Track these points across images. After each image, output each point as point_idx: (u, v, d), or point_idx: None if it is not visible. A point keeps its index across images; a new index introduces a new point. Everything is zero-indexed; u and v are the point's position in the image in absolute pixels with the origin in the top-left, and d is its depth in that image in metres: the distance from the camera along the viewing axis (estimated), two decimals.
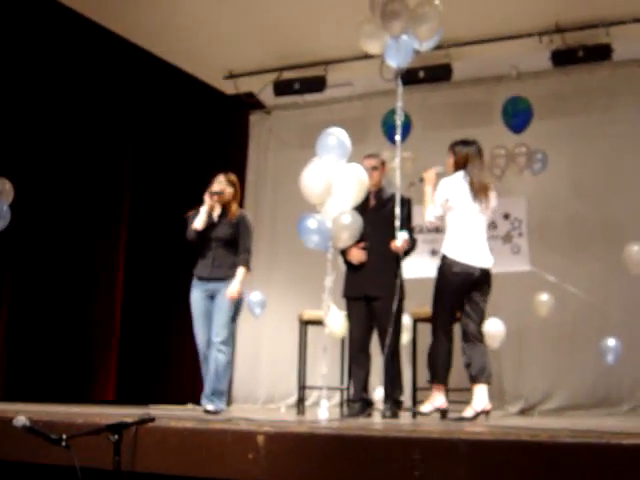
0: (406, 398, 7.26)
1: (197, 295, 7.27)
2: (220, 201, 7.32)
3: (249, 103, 11.66)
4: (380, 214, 6.90)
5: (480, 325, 6.66)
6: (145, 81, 11.25)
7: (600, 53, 9.41)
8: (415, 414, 6.86)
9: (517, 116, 10.11)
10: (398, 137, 6.65)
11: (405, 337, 7.66)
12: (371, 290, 6.83)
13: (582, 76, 10.34)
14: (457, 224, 6.56)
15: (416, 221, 7.51)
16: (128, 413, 4.74)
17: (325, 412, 6.12)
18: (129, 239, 11.35)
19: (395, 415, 6.77)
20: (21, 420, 3.72)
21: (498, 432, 3.45)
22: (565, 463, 3.11)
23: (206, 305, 7.21)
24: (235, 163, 12.22)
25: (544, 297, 9.61)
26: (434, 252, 9.93)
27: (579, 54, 9.41)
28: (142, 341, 11.28)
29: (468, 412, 6.50)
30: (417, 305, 7.88)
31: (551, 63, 9.65)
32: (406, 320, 7.40)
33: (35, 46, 9.61)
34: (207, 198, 7.24)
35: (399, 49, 6.55)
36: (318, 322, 7.45)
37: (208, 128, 12.15)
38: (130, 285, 11.23)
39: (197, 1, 9.24)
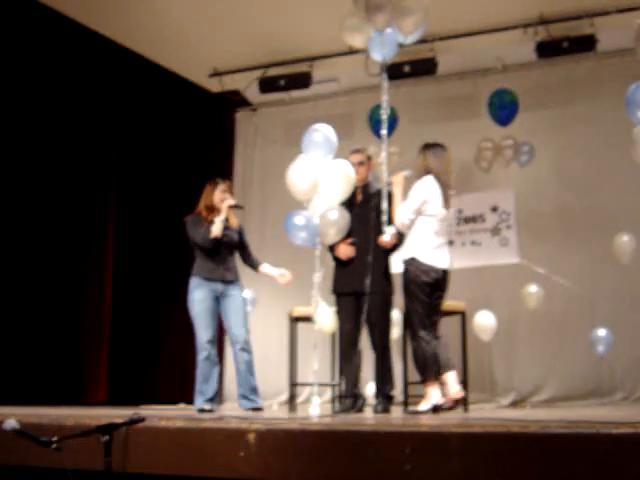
0: (397, 393, 7.25)
1: (203, 295, 7.31)
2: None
3: (235, 101, 11.66)
4: (367, 209, 6.89)
5: (438, 320, 6.69)
6: (129, 80, 11.21)
7: (585, 44, 9.42)
8: (412, 414, 6.80)
9: (503, 108, 10.12)
10: (384, 131, 6.65)
11: (395, 332, 7.66)
12: (360, 285, 6.81)
13: (567, 67, 10.35)
14: (427, 227, 6.58)
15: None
16: (118, 414, 4.73)
17: (317, 408, 6.12)
18: (117, 239, 11.30)
19: (387, 410, 6.78)
20: (11, 423, 3.71)
21: (489, 425, 3.45)
22: (556, 454, 3.12)
23: (213, 305, 7.30)
24: (222, 161, 12.24)
25: (533, 289, 9.63)
26: None
27: (564, 45, 9.41)
28: (133, 342, 11.25)
29: (425, 405, 6.45)
30: None
31: (536, 55, 9.64)
32: (396, 315, 7.39)
33: (19, 47, 9.57)
34: (225, 208, 7.35)
35: (383, 42, 6.54)
36: (308, 319, 7.46)
37: (194, 127, 12.13)
38: (120, 285, 11.19)
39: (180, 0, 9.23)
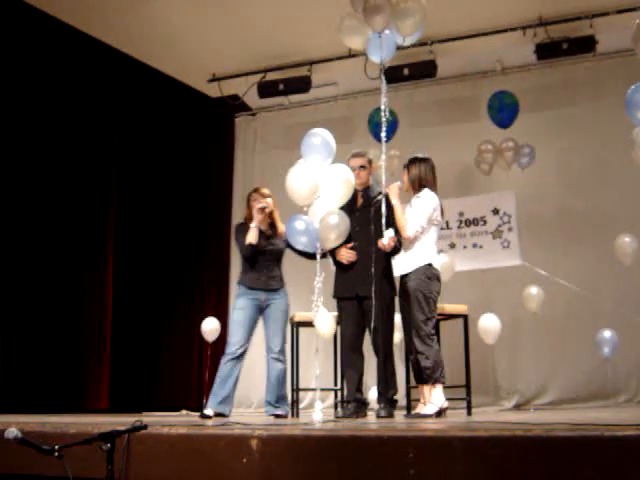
0: (400, 397, 7.22)
1: (245, 302, 7.43)
2: (265, 214, 7.47)
3: (234, 105, 11.63)
4: (368, 213, 6.86)
5: None
6: (128, 86, 11.24)
7: (584, 45, 9.42)
8: (417, 417, 6.76)
9: (503, 111, 10.11)
10: (383, 134, 6.62)
11: (397, 336, 7.64)
12: (362, 289, 6.79)
13: (567, 68, 10.35)
14: (433, 235, 6.71)
15: None
16: (120, 421, 4.71)
17: (319, 414, 6.09)
18: (119, 246, 11.32)
19: (390, 414, 6.74)
20: (13, 432, 3.68)
21: (492, 428, 3.42)
22: (560, 457, 3.09)
23: (254, 314, 7.43)
24: (222, 166, 12.25)
25: (533, 290, 9.61)
26: None
27: (563, 47, 9.41)
28: (134, 349, 11.26)
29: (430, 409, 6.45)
30: None
31: (535, 56, 9.65)
32: (398, 319, 7.38)
33: (19, 54, 9.58)
34: (256, 214, 7.40)
35: (381, 44, 6.52)
36: (309, 324, 7.45)
37: (194, 132, 12.15)
38: (121, 293, 11.20)
39: (179, 5, 9.22)
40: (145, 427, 3.93)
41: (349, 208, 6.71)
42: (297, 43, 10.11)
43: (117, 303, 11.12)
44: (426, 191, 6.71)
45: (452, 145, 10.61)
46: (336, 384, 8.23)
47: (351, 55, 9.66)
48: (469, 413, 7.30)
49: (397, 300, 6.91)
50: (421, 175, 6.76)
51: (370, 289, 6.69)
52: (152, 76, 10.82)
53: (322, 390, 6.60)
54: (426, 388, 6.50)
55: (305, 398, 10.37)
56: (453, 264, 9.56)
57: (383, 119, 6.59)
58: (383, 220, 6.54)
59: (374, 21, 6.42)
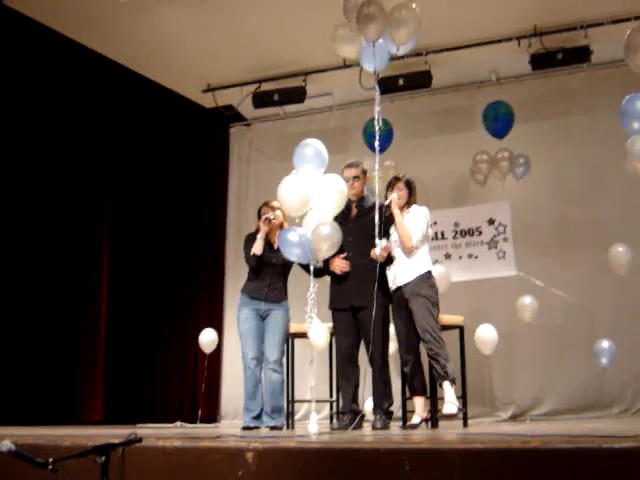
0: (396, 408, 7.21)
1: (248, 313, 7.52)
2: (273, 226, 7.56)
3: (229, 116, 11.63)
4: (362, 223, 6.84)
5: None
6: (123, 97, 11.23)
7: (579, 55, 9.43)
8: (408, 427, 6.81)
9: (498, 121, 10.10)
10: (377, 144, 6.63)
11: (392, 346, 7.62)
12: (356, 300, 6.78)
13: (562, 79, 10.37)
14: (426, 248, 6.96)
15: None
16: (115, 434, 4.68)
17: (315, 426, 6.07)
18: (113, 256, 11.29)
19: (386, 426, 6.72)
20: (6, 445, 3.65)
21: (489, 440, 3.41)
22: (557, 469, 3.07)
23: (257, 323, 7.51)
24: (216, 176, 12.23)
25: (527, 300, 9.60)
26: None
27: (558, 57, 9.42)
28: (128, 360, 11.22)
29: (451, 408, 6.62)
30: None
31: (530, 67, 9.66)
32: (393, 329, 7.36)
33: (14, 64, 9.57)
34: (262, 225, 7.48)
35: (375, 53, 6.52)
36: (304, 335, 7.44)
37: (188, 143, 12.14)
38: (115, 305, 11.17)
39: (173, 16, 9.21)
40: (140, 440, 3.90)
41: (343, 219, 6.71)
42: (292, 53, 10.12)
43: (111, 314, 11.08)
44: (423, 207, 6.99)
45: (447, 155, 10.62)
46: (331, 395, 8.20)
47: (346, 65, 9.67)
48: (465, 424, 7.28)
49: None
50: (411, 194, 7.04)
51: (364, 300, 6.68)
52: (146, 86, 10.82)
53: (317, 402, 6.56)
54: (446, 386, 6.61)
55: (301, 409, 10.35)
56: (449, 275, 9.55)
57: (377, 128, 6.59)
58: (376, 230, 6.53)
59: (368, 30, 6.42)
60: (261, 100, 10.76)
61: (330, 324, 7.22)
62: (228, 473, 3.73)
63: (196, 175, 12.21)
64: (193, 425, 10.24)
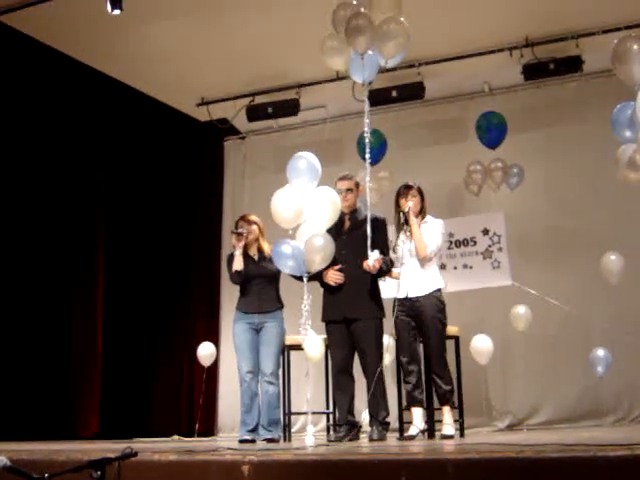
0: (393, 419, 7.20)
1: (242, 327, 7.60)
2: (248, 241, 7.64)
3: (223, 129, 11.63)
4: (355, 236, 6.85)
5: None
6: (117, 111, 11.23)
7: (571, 65, 9.47)
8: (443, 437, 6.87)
9: (491, 131, 10.11)
10: (367, 155, 6.67)
11: (387, 357, 7.63)
12: (350, 312, 6.80)
13: (554, 88, 10.39)
14: (436, 261, 7.10)
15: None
16: (111, 448, 4.68)
17: (311, 438, 6.08)
18: (108, 269, 11.29)
19: (382, 437, 6.72)
20: (1, 460, 3.64)
21: (484, 450, 3.41)
22: (552, 479, 3.08)
23: (252, 337, 7.57)
24: (211, 190, 12.22)
25: (521, 310, 9.60)
26: None
27: (550, 67, 9.46)
28: (125, 375, 11.20)
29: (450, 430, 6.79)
30: None
31: (522, 77, 9.69)
32: (387, 340, 7.37)
33: (4, 78, 9.57)
34: (235, 240, 7.55)
35: (364, 65, 6.54)
36: (299, 347, 7.45)
37: (183, 156, 12.14)
38: (111, 318, 11.16)
39: (167, 30, 9.23)
40: (135, 454, 3.89)
41: (336, 231, 6.73)
42: (285, 66, 10.14)
43: (108, 329, 11.08)
44: (431, 216, 7.06)
45: (441, 166, 10.63)
46: (328, 407, 8.20)
47: (339, 78, 9.68)
48: (462, 434, 7.29)
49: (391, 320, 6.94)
50: (423, 203, 7.06)
51: (358, 312, 6.71)
52: (141, 100, 10.82)
53: (314, 414, 6.58)
54: (446, 410, 6.81)
55: (297, 422, 10.33)
56: (444, 285, 9.54)
57: (367, 140, 6.65)
58: (369, 242, 6.54)
59: (356, 42, 6.45)
60: (255, 113, 10.79)
61: (325, 336, 7.22)
62: None
63: (191, 189, 12.20)
64: (190, 439, 10.21)
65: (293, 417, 8.60)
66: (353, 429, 6.91)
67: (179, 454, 4.08)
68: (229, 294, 10.88)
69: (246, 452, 3.94)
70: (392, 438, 7.10)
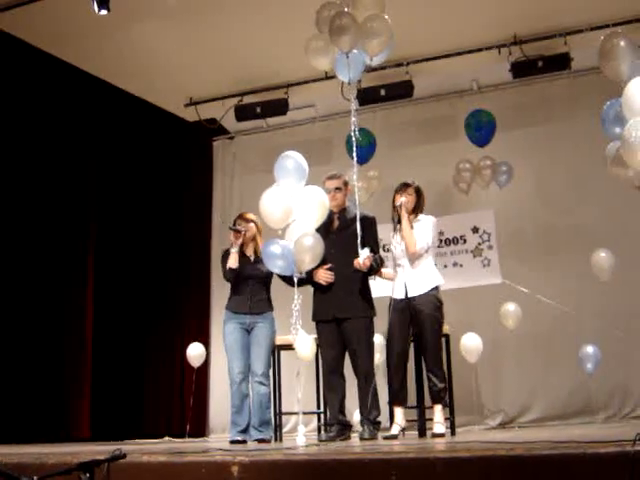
0: (384, 419, 7.19)
1: (232, 327, 7.55)
2: (245, 239, 7.58)
3: (211, 129, 11.62)
4: (344, 235, 6.84)
5: None
6: (105, 113, 11.21)
7: (559, 62, 9.48)
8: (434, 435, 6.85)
9: (480, 129, 10.13)
10: (354, 154, 6.68)
11: (378, 357, 7.62)
12: (340, 311, 6.79)
13: (543, 86, 10.40)
14: (433, 260, 7.05)
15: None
16: (101, 450, 4.66)
17: (302, 438, 6.06)
18: (98, 274, 11.25)
19: (374, 436, 6.70)
20: None
21: (475, 448, 3.40)
22: (543, 476, 3.07)
23: (242, 337, 7.52)
24: (200, 190, 12.20)
25: (511, 307, 9.61)
26: None
27: (538, 64, 9.47)
28: (116, 376, 11.17)
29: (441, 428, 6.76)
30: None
31: (511, 75, 9.70)
32: (378, 339, 7.36)
33: None
34: (233, 237, 7.49)
35: (349, 64, 6.54)
36: (290, 347, 7.44)
37: (172, 157, 12.12)
38: (102, 320, 11.13)
39: (155, 31, 9.22)
40: (124, 456, 3.88)
41: (325, 230, 6.73)
42: (273, 66, 10.12)
43: (98, 330, 11.05)
44: (423, 215, 7.03)
45: (430, 165, 10.62)
46: (319, 407, 8.19)
47: (328, 77, 9.67)
48: (453, 433, 7.28)
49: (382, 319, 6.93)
50: (420, 201, 7.07)
51: (348, 311, 6.71)
52: (129, 101, 10.80)
53: (305, 414, 6.57)
54: (437, 408, 6.78)
55: (289, 422, 10.32)
56: (443, 282, 9.53)
57: (353, 139, 6.65)
58: (358, 240, 6.54)
59: (340, 41, 6.46)
60: (243, 113, 10.77)
61: (316, 335, 7.20)
62: None
63: (180, 189, 12.18)
64: (181, 440, 10.20)
65: (284, 417, 8.60)
66: (344, 428, 6.90)
67: (169, 455, 4.06)
68: (220, 294, 10.86)
69: (236, 453, 3.92)
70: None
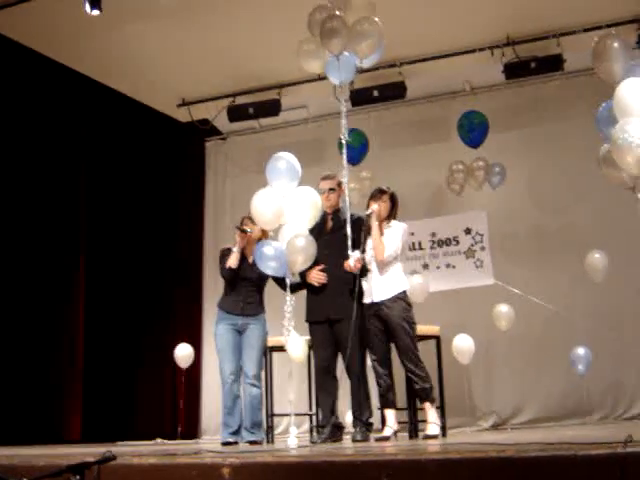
0: (376, 420, 7.18)
1: (225, 328, 7.51)
2: (250, 240, 7.52)
3: (204, 130, 11.60)
4: (337, 236, 6.83)
5: None
6: (97, 113, 11.17)
7: (552, 64, 9.49)
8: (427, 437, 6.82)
9: (473, 131, 10.13)
10: (344, 155, 6.67)
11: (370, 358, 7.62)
12: (333, 313, 6.77)
13: (535, 87, 10.41)
14: (401, 267, 6.92)
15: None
16: (91, 452, 4.64)
17: (294, 439, 6.04)
18: (89, 275, 11.21)
19: (366, 438, 6.70)
20: None
21: (466, 450, 3.39)
22: (534, 477, 3.06)
23: (234, 338, 7.49)
24: (193, 191, 12.19)
25: (503, 308, 9.61)
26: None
27: (531, 66, 9.48)
28: (108, 378, 11.14)
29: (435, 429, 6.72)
30: None
31: (504, 76, 9.71)
32: None
33: None
34: (238, 237, 7.45)
35: (340, 66, 6.55)
36: (282, 348, 7.41)
37: (164, 157, 12.10)
38: (93, 322, 11.09)
39: (147, 31, 9.21)
40: (114, 458, 3.86)
41: (319, 231, 6.72)
42: (266, 67, 10.12)
43: (89, 332, 11.00)
44: (395, 221, 6.93)
45: (423, 166, 10.64)
46: (311, 409, 8.17)
47: (320, 78, 9.63)
48: (444, 434, 7.26)
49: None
50: (394, 208, 6.96)
51: (341, 312, 6.68)
52: (121, 102, 10.78)
53: (297, 415, 6.55)
54: (427, 407, 6.73)
55: (281, 424, 10.29)
56: (427, 285, 9.54)
57: (343, 141, 6.65)
58: (349, 242, 6.52)
59: (331, 44, 6.48)
60: (236, 114, 10.77)
61: (308, 337, 7.19)
62: None
63: (172, 190, 12.17)
64: (173, 441, 10.18)
65: (276, 419, 8.58)
66: (336, 430, 6.89)
67: (159, 457, 4.05)
68: (211, 296, 10.87)
69: (227, 454, 3.91)
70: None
